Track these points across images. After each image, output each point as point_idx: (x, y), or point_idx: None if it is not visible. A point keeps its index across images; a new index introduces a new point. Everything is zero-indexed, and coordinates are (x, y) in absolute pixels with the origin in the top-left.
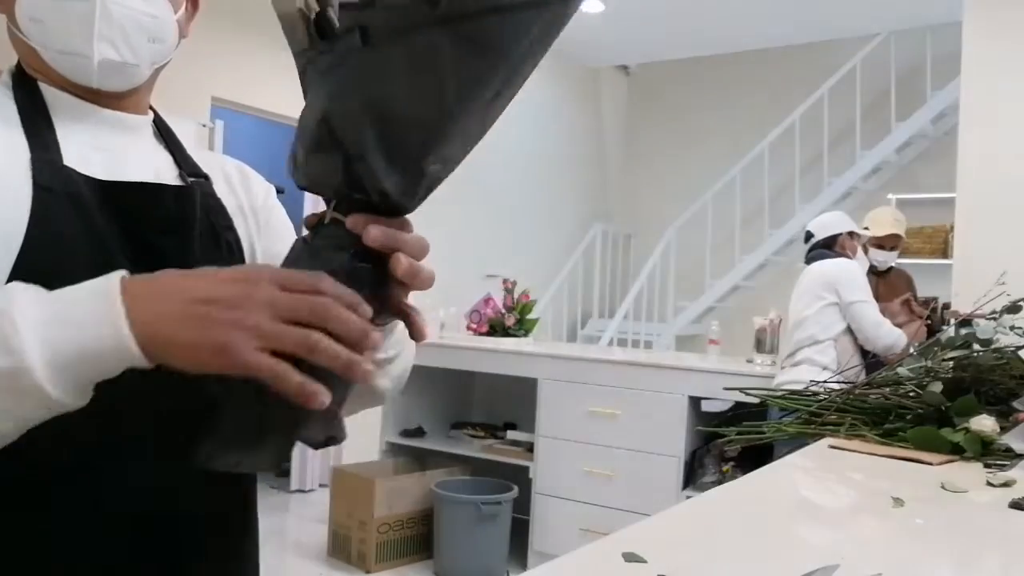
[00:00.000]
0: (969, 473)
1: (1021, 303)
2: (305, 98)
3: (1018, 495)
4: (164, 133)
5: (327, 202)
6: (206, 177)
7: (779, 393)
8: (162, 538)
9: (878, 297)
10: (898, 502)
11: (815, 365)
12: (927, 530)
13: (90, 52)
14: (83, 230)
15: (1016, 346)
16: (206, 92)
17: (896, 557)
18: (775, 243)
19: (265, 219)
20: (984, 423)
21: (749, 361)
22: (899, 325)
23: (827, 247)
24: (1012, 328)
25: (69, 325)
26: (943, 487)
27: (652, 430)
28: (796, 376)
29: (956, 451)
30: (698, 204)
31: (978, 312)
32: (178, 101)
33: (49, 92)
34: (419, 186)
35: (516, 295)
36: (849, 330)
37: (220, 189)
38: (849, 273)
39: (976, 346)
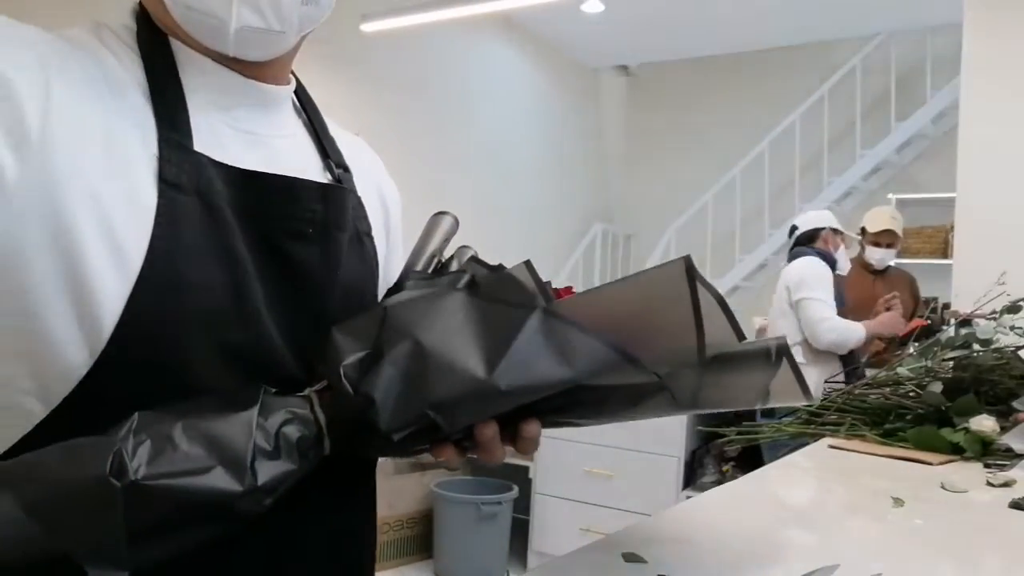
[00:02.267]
0: (969, 473)
1: (1021, 303)
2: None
3: (1018, 495)
4: (306, 106)
5: (313, 373)
6: (347, 169)
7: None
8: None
9: (872, 296)
10: (898, 502)
11: None
12: (927, 530)
13: (228, 15)
14: (214, 237)
15: (1016, 346)
16: None
17: (896, 557)
18: (775, 243)
19: (394, 241)
20: (984, 423)
21: None
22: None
23: (810, 241)
24: (1012, 328)
25: None
26: (943, 487)
27: (652, 430)
28: None
29: (956, 451)
30: (698, 204)
31: (978, 312)
32: None
33: (181, 50)
34: (412, 426)
35: None
36: None
37: (362, 184)
38: (805, 271)
39: (976, 346)
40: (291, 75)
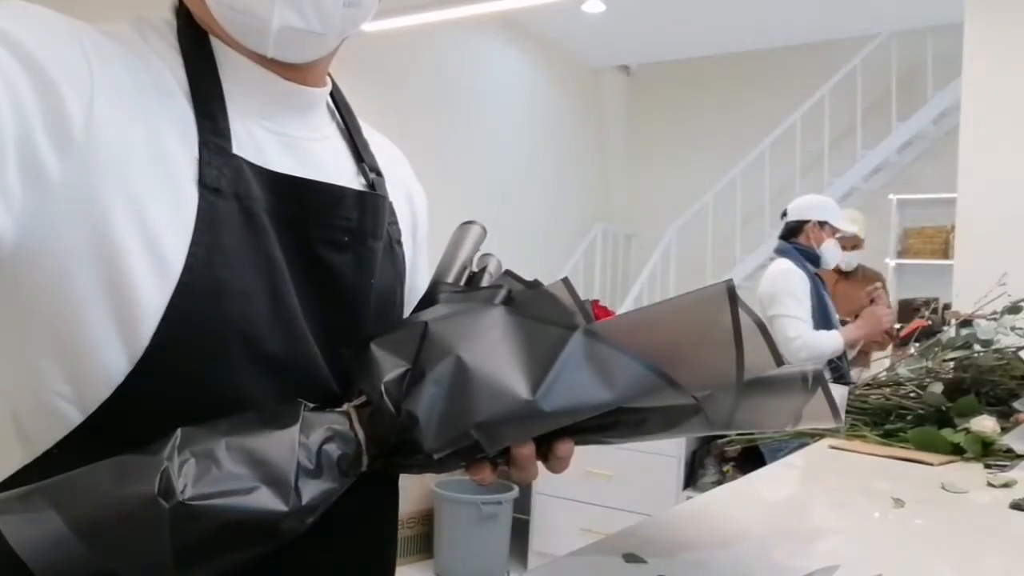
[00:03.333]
0: (969, 474)
1: (1021, 304)
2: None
3: (1018, 496)
4: (341, 107)
5: (350, 388)
6: (380, 173)
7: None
8: None
9: (834, 295)
10: (898, 503)
11: None
12: (927, 531)
13: (269, 15)
14: (252, 243)
15: (1017, 347)
16: None
17: (896, 558)
18: (776, 243)
19: (420, 245)
20: (984, 424)
21: None
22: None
23: (793, 233)
24: (1013, 329)
25: None
26: (943, 488)
27: None
28: None
29: (957, 452)
30: (699, 204)
31: (979, 313)
32: None
33: (220, 49)
34: (452, 444)
35: None
36: None
37: (392, 188)
38: (775, 285)
39: (977, 347)
40: (327, 77)
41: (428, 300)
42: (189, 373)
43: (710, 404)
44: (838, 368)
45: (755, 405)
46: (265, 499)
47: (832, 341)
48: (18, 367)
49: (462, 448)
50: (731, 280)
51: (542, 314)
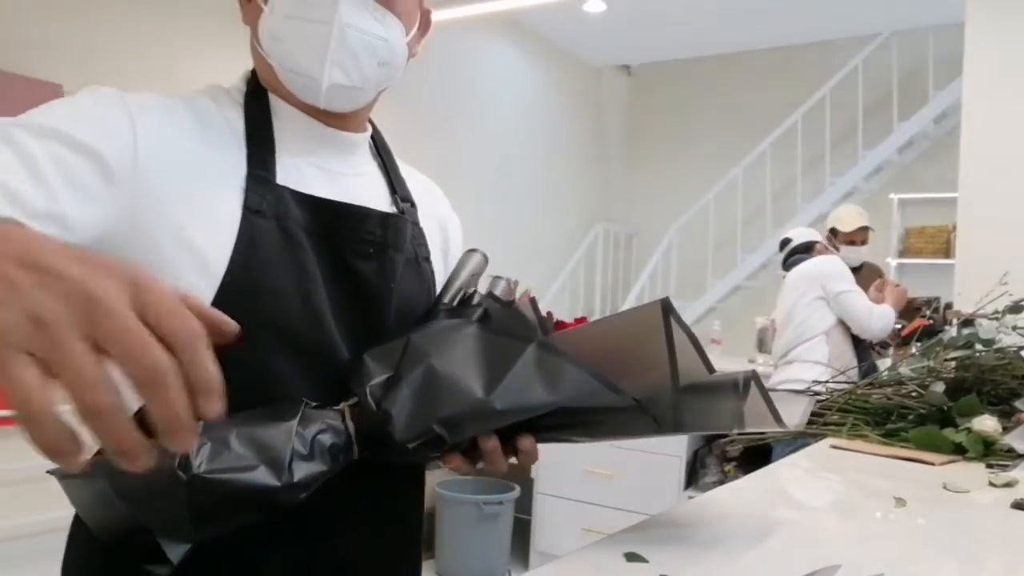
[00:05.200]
0: (971, 473)
1: (1023, 303)
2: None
3: (1020, 495)
4: (380, 149)
5: (348, 390)
6: (413, 203)
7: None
8: None
9: None
10: (900, 502)
11: (806, 361)
12: (929, 530)
13: (320, 75)
14: (287, 253)
15: (1018, 346)
16: None
17: (898, 557)
18: (777, 243)
19: (450, 263)
20: (986, 423)
21: (751, 361)
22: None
23: (806, 251)
24: (1014, 328)
25: None
26: (945, 487)
27: None
28: (789, 375)
29: (958, 451)
30: (700, 204)
31: (980, 312)
32: None
33: (277, 104)
34: (422, 438)
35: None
36: (839, 323)
37: (425, 217)
38: (832, 267)
39: (978, 346)
40: (368, 123)
41: (429, 315)
42: (230, 357)
43: (653, 407)
44: (866, 360)
45: (696, 409)
46: (262, 476)
47: (891, 313)
48: None
49: (430, 439)
50: (667, 298)
51: (507, 329)
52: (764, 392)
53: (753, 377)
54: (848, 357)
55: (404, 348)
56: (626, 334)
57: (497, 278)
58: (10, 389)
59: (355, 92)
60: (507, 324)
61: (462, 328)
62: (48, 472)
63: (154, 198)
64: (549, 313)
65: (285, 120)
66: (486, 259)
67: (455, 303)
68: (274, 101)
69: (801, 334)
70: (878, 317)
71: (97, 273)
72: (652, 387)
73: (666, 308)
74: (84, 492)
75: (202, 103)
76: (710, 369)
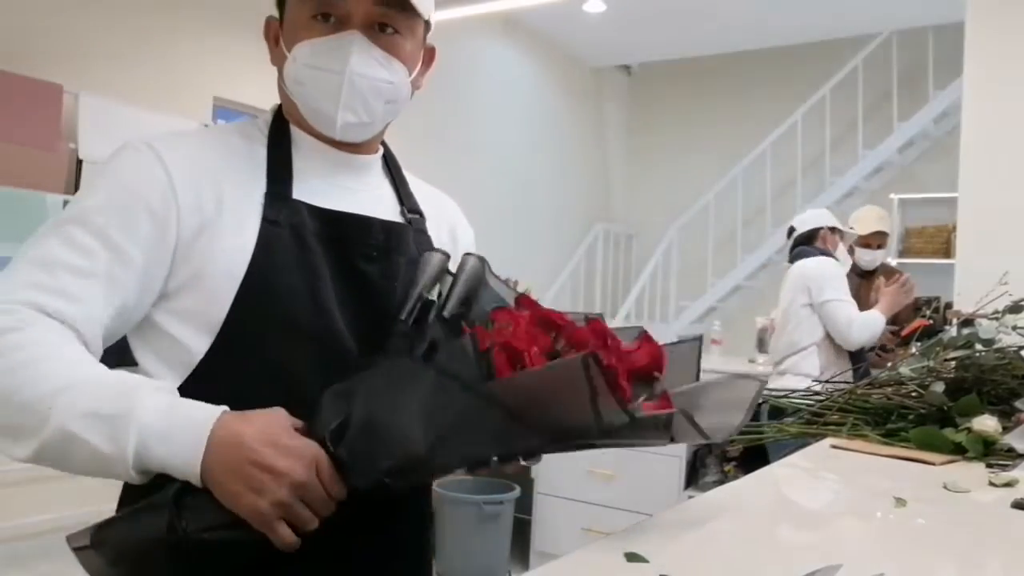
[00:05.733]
0: (971, 473)
1: (1023, 303)
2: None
3: (1020, 495)
4: (391, 167)
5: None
6: (421, 214)
7: (779, 394)
8: None
9: (859, 298)
10: (900, 502)
11: (799, 374)
12: (929, 530)
13: (335, 115)
14: (300, 258)
15: (1018, 346)
16: (208, 92)
17: (898, 557)
18: (777, 242)
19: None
20: (986, 423)
21: (751, 361)
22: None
23: (808, 241)
24: (1014, 328)
25: (166, 443)
26: (945, 487)
27: None
28: (782, 385)
29: (958, 451)
30: (700, 204)
31: (980, 312)
32: (180, 101)
33: (297, 134)
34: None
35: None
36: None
37: (433, 226)
38: (823, 271)
39: (978, 346)
40: (380, 145)
41: (391, 330)
42: (249, 349)
43: (583, 440)
44: (861, 364)
45: (626, 437)
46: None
47: (879, 320)
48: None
49: (380, 485)
50: (591, 355)
51: (454, 371)
52: (691, 419)
53: (672, 418)
54: (842, 366)
55: (357, 388)
56: (556, 385)
57: (468, 255)
58: (277, 535)
59: (365, 127)
60: (453, 363)
61: (413, 370)
62: (68, 543)
63: (191, 228)
64: (519, 288)
65: (305, 148)
66: (447, 256)
67: (415, 313)
68: (295, 132)
69: (794, 343)
70: (859, 328)
71: (297, 463)
72: (580, 429)
73: (586, 363)
74: (87, 561)
75: (231, 138)
76: (631, 416)
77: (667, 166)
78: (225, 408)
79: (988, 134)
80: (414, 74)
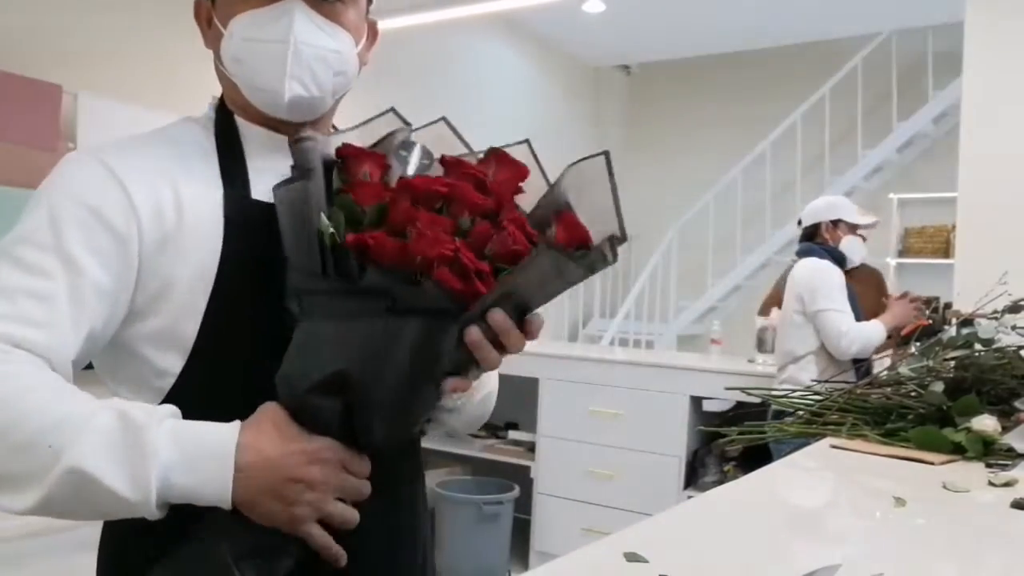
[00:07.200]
0: (971, 473)
1: (1022, 303)
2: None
3: (1020, 495)
4: None
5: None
6: None
7: (780, 393)
8: None
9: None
10: (900, 502)
11: (796, 385)
12: (929, 530)
13: (282, 90)
14: (266, 257)
15: (1017, 346)
16: (208, 92)
17: (898, 557)
18: (777, 242)
19: None
20: (986, 423)
21: (751, 361)
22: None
23: (811, 237)
24: (1013, 328)
25: (189, 474)
26: (945, 487)
27: (653, 430)
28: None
29: (958, 451)
30: (700, 204)
31: (980, 312)
32: (179, 101)
33: (244, 126)
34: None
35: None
36: None
37: None
38: (815, 278)
39: (978, 346)
40: (332, 128)
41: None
42: (221, 359)
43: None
44: (864, 363)
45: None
46: None
47: (877, 331)
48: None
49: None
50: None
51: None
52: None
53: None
54: (844, 366)
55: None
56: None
57: (399, 130)
58: (313, 537)
59: (315, 102)
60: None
61: (341, 305)
62: None
63: (154, 241)
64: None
65: (255, 142)
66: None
67: (320, 259)
68: (241, 123)
69: (790, 351)
70: (851, 340)
71: (326, 469)
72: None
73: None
74: None
75: (178, 139)
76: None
77: (666, 166)
78: (235, 425)
79: (987, 134)
80: (360, 46)
